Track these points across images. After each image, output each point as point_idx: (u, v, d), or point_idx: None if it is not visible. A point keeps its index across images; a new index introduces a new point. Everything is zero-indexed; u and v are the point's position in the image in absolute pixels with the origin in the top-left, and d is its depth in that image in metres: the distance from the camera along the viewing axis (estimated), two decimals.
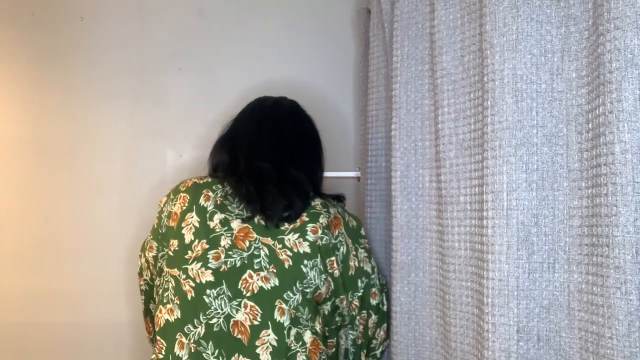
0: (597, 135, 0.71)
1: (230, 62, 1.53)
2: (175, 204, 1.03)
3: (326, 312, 1.04)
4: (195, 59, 1.52)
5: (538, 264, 0.79)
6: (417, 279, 1.05)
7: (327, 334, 1.05)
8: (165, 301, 0.98)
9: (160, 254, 1.05)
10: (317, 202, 1.04)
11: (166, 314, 0.97)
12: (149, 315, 1.19)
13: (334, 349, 1.08)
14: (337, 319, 1.07)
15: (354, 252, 1.05)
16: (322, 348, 1.00)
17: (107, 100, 1.49)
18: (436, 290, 1.02)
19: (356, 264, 1.05)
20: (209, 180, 1.06)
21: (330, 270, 1.01)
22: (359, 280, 1.06)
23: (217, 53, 1.53)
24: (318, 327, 1.00)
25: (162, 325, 0.97)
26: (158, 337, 0.97)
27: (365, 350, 1.14)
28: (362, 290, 1.06)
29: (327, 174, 1.20)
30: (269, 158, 1.05)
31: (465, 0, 0.93)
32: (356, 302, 1.07)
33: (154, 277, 1.10)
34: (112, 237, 1.49)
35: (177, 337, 0.94)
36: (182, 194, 1.04)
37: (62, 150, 1.48)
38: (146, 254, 1.10)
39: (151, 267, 1.10)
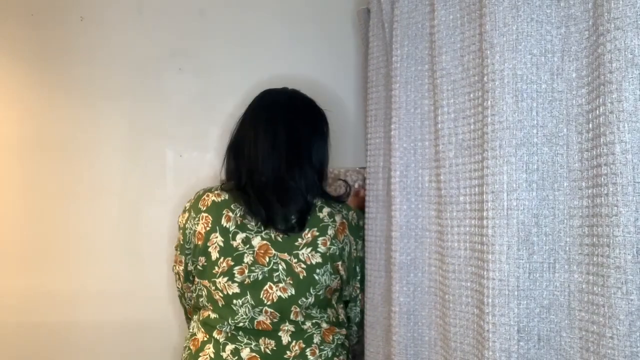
0: (598, 135, 0.71)
1: (230, 62, 1.53)
2: (198, 223, 1.14)
3: (335, 296, 1.20)
4: (195, 59, 1.52)
5: (538, 264, 0.79)
6: (417, 279, 1.05)
7: (341, 318, 1.21)
8: (201, 305, 1.17)
9: (192, 267, 1.18)
10: (324, 214, 1.16)
11: (205, 313, 1.16)
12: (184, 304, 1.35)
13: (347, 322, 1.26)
14: (345, 296, 1.25)
15: (355, 247, 1.21)
16: (337, 330, 1.18)
17: (107, 100, 1.49)
18: (435, 290, 1.02)
19: (356, 254, 1.21)
20: (226, 197, 1.14)
21: (340, 272, 1.16)
22: (357, 267, 1.22)
23: (217, 53, 1.53)
24: (332, 317, 1.17)
25: (204, 317, 1.15)
26: (201, 326, 1.16)
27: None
28: (360, 274, 1.23)
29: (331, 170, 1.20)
30: (266, 169, 1.13)
31: (465, 0, 0.93)
32: (357, 285, 1.24)
33: (183, 286, 1.26)
34: (112, 237, 1.49)
35: (216, 327, 1.13)
36: (203, 214, 1.14)
37: (62, 150, 1.48)
38: (177, 268, 1.24)
39: (181, 278, 1.24)
